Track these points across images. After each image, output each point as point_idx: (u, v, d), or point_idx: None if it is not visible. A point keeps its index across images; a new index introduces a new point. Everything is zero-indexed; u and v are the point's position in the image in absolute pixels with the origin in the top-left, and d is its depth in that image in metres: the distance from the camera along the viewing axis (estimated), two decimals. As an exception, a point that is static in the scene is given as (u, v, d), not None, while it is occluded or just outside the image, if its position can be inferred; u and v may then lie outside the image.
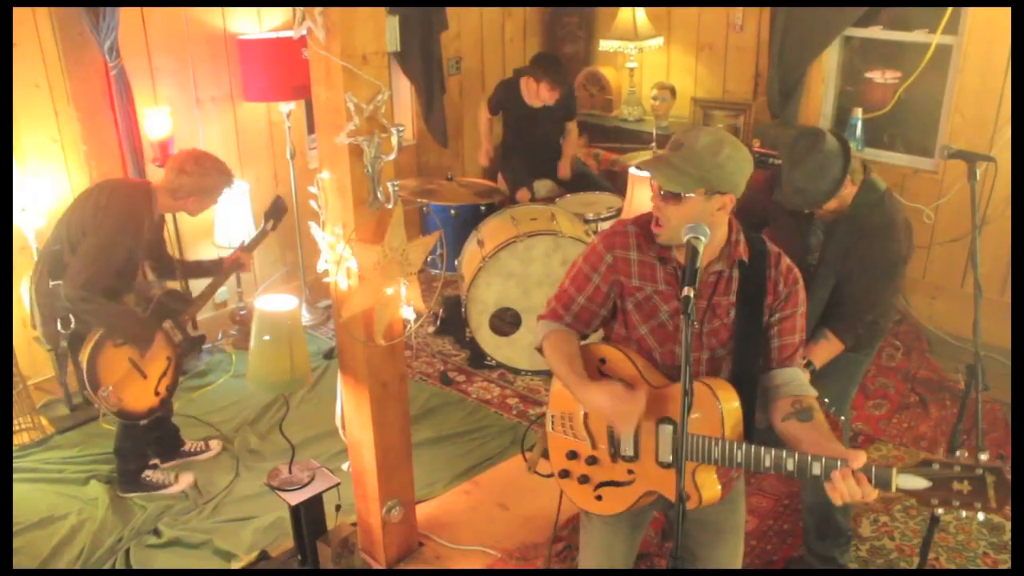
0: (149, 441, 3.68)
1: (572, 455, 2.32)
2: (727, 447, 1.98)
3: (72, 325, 3.32)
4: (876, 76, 5.25)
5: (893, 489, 1.78)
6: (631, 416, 2.07)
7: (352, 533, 3.09)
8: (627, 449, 2.18)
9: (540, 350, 2.33)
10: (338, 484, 3.03)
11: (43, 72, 3.99)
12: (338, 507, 3.10)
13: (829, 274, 2.78)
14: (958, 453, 1.77)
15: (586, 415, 2.26)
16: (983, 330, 2.61)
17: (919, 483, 1.76)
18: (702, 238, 1.94)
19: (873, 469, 1.80)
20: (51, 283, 3.33)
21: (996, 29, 4.41)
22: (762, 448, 1.94)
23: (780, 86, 5.35)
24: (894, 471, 1.78)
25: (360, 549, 3.16)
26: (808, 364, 2.64)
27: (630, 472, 2.21)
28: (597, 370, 2.25)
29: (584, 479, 2.30)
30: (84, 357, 3.29)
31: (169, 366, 3.53)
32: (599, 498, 2.29)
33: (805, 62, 5.25)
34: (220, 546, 3.31)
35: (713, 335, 2.16)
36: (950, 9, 4.63)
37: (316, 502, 3.02)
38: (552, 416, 2.38)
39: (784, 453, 1.90)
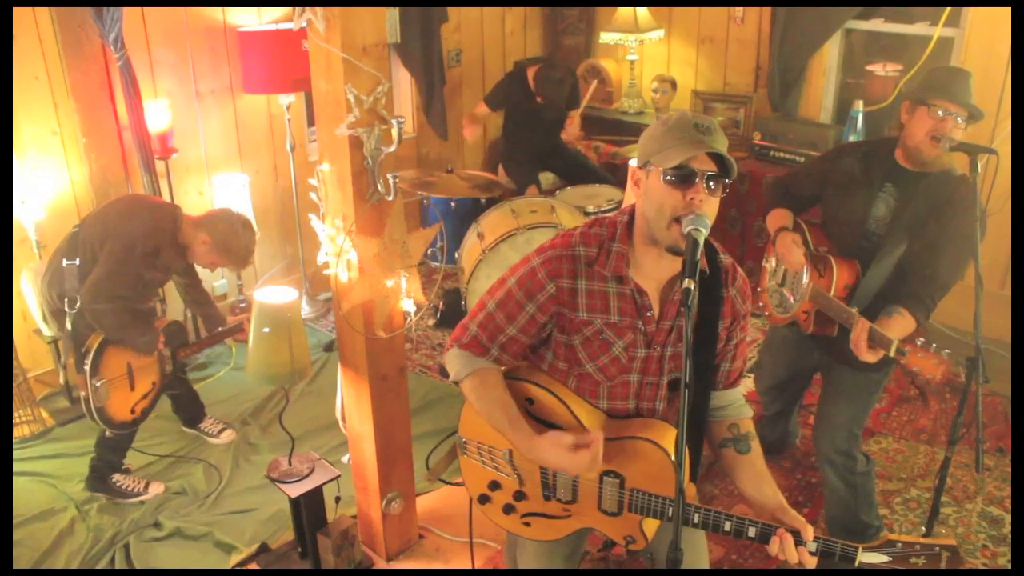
0: (128, 446, 3.64)
1: (495, 486, 2.17)
2: (684, 508, 1.85)
3: (77, 306, 3.32)
4: (877, 69, 5.24)
5: (856, 565, 1.81)
6: (589, 468, 1.93)
7: (352, 525, 3.09)
8: (564, 494, 2.07)
9: (457, 383, 2.08)
10: (338, 476, 3.03)
11: (42, 64, 3.98)
12: (338, 499, 3.11)
13: (902, 238, 2.70)
14: (923, 531, 1.87)
15: (511, 451, 2.10)
16: (983, 323, 2.61)
17: (881, 559, 1.81)
18: (703, 229, 1.78)
19: (838, 547, 1.81)
20: (65, 262, 3.35)
21: (997, 22, 4.40)
22: (722, 514, 1.89)
23: (781, 79, 5.34)
24: (859, 549, 1.80)
25: (360, 541, 3.16)
26: (896, 348, 2.47)
27: (565, 510, 2.10)
28: (524, 410, 2.03)
29: (509, 509, 2.16)
30: (95, 343, 3.30)
31: (151, 391, 3.53)
32: (527, 524, 2.16)
33: (806, 55, 5.24)
34: (220, 538, 3.31)
35: (674, 359, 2.03)
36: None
37: (316, 494, 3.02)
38: (465, 441, 2.20)
39: (747, 522, 1.87)
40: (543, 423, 2.05)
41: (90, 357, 3.28)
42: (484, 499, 2.22)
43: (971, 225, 2.55)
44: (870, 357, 2.54)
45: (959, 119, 2.61)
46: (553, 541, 2.19)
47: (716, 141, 1.82)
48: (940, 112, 2.60)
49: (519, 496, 2.15)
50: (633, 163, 4.37)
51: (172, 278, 3.66)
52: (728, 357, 2.09)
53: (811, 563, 1.82)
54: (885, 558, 1.80)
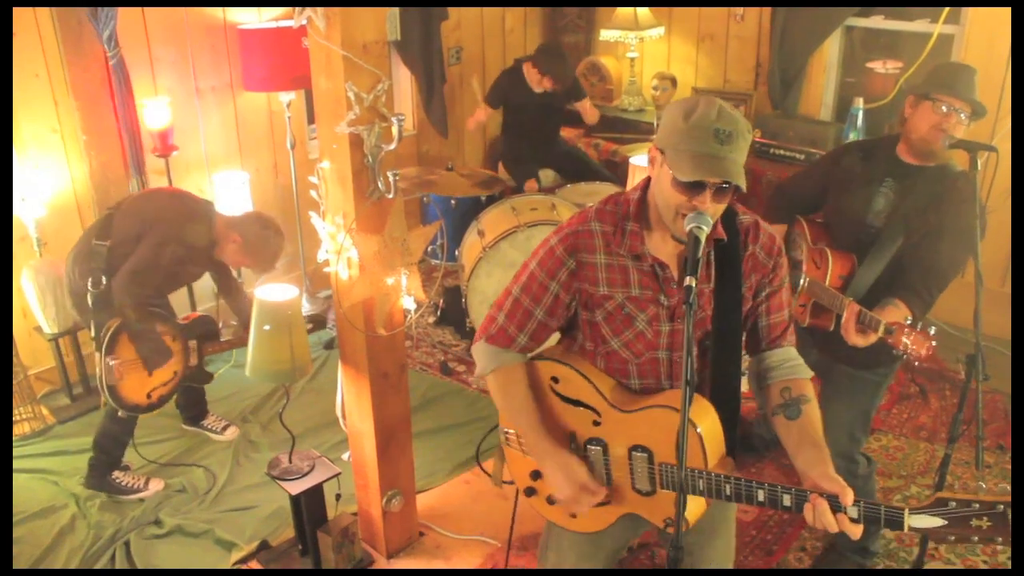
0: (128, 441, 3.64)
1: (536, 475, 2.16)
2: (713, 480, 1.86)
3: (101, 286, 3.35)
4: (877, 66, 5.24)
5: (906, 530, 1.67)
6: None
7: (352, 523, 3.09)
8: (598, 477, 2.04)
9: (480, 378, 2.12)
10: (339, 474, 3.04)
11: (43, 62, 3.97)
12: (338, 497, 3.11)
13: (900, 231, 2.70)
14: (982, 485, 1.71)
15: None
16: (983, 321, 2.60)
17: (934, 522, 1.65)
18: (704, 227, 1.78)
19: (882, 510, 1.68)
20: (95, 242, 3.38)
21: (998, 19, 4.40)
22: (753, 483, 1.82)
23: (781, 76, 5.34)
24: (906, 512, 1.66)
25: (361, 539, 3.16)
26: (885, 327, 2.49)
27: (605, 496, 2.07)
28: (550, 389, 2.05)
29: (552, 500, 2.13)
30: (113, 324, 3.32)
31: (172, 379, 3.53)
32: (572, 515, 2.14)
33: (806, 52, 5.24)
34: (221, 536, 3.32)
35: (699, 326, 1.98)
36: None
37: (317, 492, 3.02)
38: (506, 432, 2.21)
39: (780, 489, 1.79)
40: (568, 401, 2.06)
41: (108, 335, 3.30)
42: (530, 491, 2.19)
43: (970, 220, 2.54)
44: (860, 340, 2.55)
45: (963, 115, 2.60)
46: (596, 537, 2.15)
47: (734, 151, 1.77)
48: (944, 108, 2.60)
49: None
50: (633, 160, 4.38)
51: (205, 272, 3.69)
52: (763, 311, 2.02)
53: (853, 530, 1.70)
54: (939, 521, 1.64)
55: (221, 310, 4.55)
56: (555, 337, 2.17)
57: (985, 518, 1.62)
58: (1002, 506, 1.61)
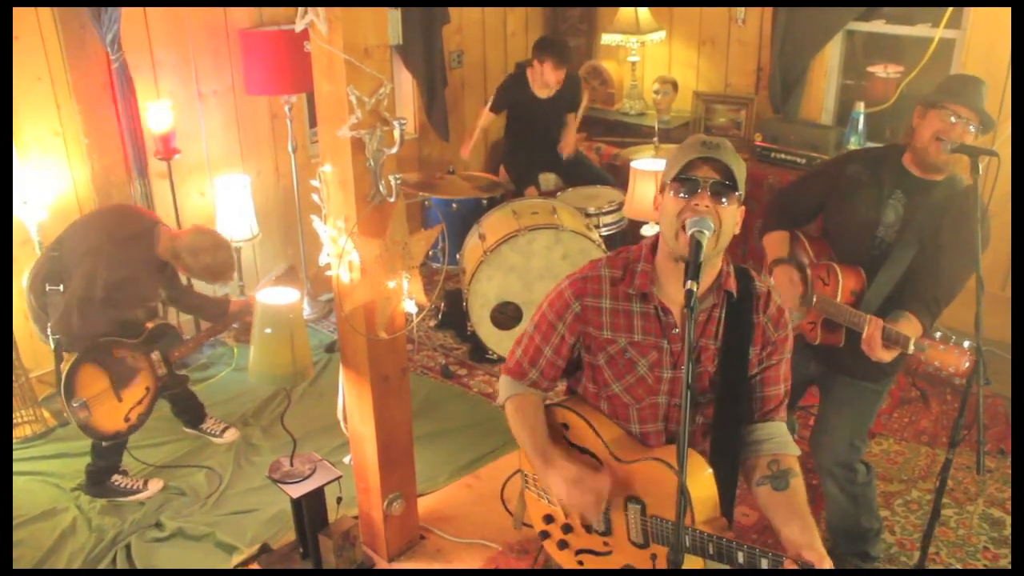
0: (122, 451, 3.63)
1: (548, 519, 2.23)
2: (699, 537, 1.86)
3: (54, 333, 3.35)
4: (878, 70, 5.25)
5: None
6: (588, 507, 1.97)
7: (353, 526, 3.09)
8: (598, 525, 2.08)
9: (500, 406, 2.22)
10: (340, 477, 3.04)
11: (45, 65, 3.98)
12: (339, 500, 3.11)
13: (912, 244, 2.69)
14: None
15: None
16: (984, 325, 2.60)
17: None
18: (706, 231, 1.81)
19: None
20: (48, 287, 3.36)
21: (999, 24, 4.40)
22: (734, 543, 1.83)
23: (782, 80, 5.34)
24: None
25: (361, 542, 3.16)
26: (916, 344, 2.47)
27: (606, 544, 2.11)
28: (562, 436, 2.11)
29: (563, 544, 2.20)
30: (65, 366, 3.31)
31: (146, 396, 3.52)
32: (580, 563, 2.19)
33: (807, 56, 5.25)
34: (222, 539, 3.32)
35: (701, 379, 2.02)
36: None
37: (318, 495, 3.02)
38: (526, 475, 2.27)
39: (757, 552, 1.79)
40: (577, 448, 2.11)
41: (62, 382, 3.29)
42: (544, 534, 2.25)
43: (973, 235, 2.53)
44: (885, 356, 2.53)
45: (971, 127, 2.59)
46: None
47: (723, 155, 1.87)
48: (952, 117, 2.58)
49: (567, 529, 2.18)
50: (634, 164, 4.39)
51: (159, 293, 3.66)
52: (758, 382, 2.06)
53: None
54: None
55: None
56: None
57: None
58: None
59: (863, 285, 2.76)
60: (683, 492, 1.69)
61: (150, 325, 3.58)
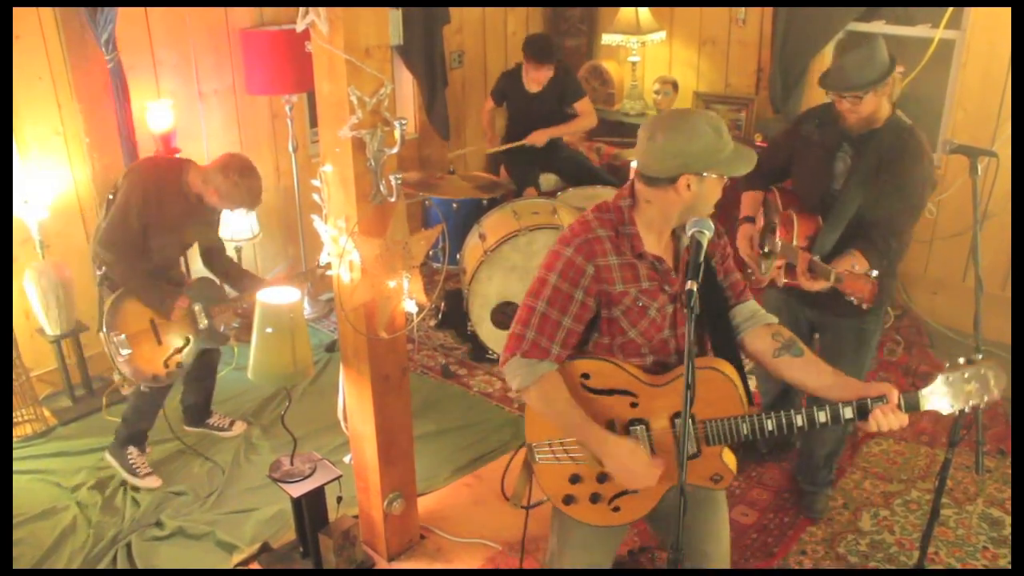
0: (154, 416, 3.67)
1: (576, 479, 2.23)
2: (755, 422, 2.06)
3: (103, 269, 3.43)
4: (879, 71, 5.24)
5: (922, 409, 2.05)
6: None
7: (353, 525, 3.10)
8: (653, 481, 2.14)
9: (520, 392, 2.16)
10: (340, 476, 3.04)
11: (46, 65, 3.99)
12: (340, 499, 3.12)
13: (857, 192, 2.92)
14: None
15: None
16: (984, 325, 2.61)
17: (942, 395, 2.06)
18: (707, 232, 1.96)
19: (902, 398, 2.04)
20: (100, 224, 3.46)
21: (999, 24, 4.41)
22: (791, 411, 2.04)
23: (782, 81, 5.35)
24: (920, 395, 2.06)
25: (362, 541, 3.17)
26: (835, 276, 2.73)
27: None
28: (580, 386, 2.14)
29: (596, 497, 2.22)
30: (109, 300, 3.36)
31: (185, 346, 3.54)
32: (616, 509, 2.23)
33: (807, 56, 5.25)
34: (222, 538, 3.32)
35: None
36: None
37: (318, 494, 3.03)
38: (535, 447, 2.28)
39: (815, 408, 2.03)
40: (601, 393, 2.16)
41: (106, 309, 3.33)
42: (569, 499, 2.26)
43: (921, 173, 2.86)
44: (813, 286, 2.81)
45: (861, 95, 2.89)
46: (602, 533, 2.30)
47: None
48: (845, 102, 2.91)
49: (602, 478, 2.21)
50: (634, 164, 4.39)
51: (195, 243, 3.70)
52: (725, 279, 2.26)
53: (904, 419, 2.05)
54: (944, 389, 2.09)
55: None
56: None
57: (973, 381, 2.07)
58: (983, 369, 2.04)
59: (816, 231, 3.02)
60: (683, 492, 1.72)
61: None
